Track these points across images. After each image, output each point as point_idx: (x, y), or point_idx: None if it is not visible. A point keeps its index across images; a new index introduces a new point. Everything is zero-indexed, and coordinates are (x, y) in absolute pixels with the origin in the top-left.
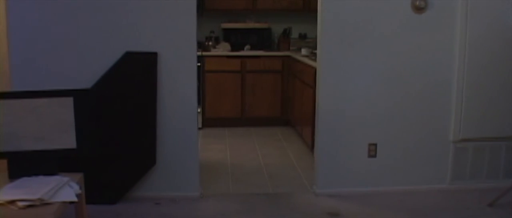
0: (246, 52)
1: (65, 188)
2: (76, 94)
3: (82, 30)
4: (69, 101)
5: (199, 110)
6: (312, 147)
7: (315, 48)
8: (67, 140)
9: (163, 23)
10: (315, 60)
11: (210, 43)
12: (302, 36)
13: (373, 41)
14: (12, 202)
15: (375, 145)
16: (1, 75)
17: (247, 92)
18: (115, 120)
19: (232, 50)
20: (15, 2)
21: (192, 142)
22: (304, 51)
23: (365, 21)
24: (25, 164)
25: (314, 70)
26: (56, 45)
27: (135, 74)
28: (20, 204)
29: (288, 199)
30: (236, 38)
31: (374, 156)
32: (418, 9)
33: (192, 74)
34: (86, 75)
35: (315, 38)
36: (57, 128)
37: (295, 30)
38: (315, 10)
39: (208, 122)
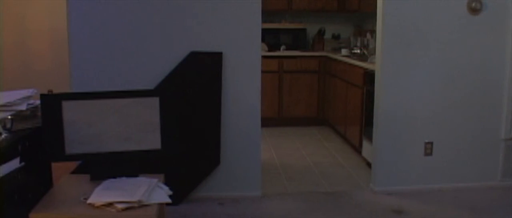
0: (283, 52)
1: (157, 189)
2: (162, 94)
3: (146, 30)
4: (154, 101)
5: None
6: (359, 146)
7: (350, 48)
8: (152, 140)
9: (228, 23)
10: (359, 60)
11: None
12: (336, 37)
13: (430, 42)
14: (110, 204)
15: (431, 143)
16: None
17: (284, 92)
18: (180, 120)
19: (268, 50)
20: (76, 2)
21: (255, 142)
22: (344, 51)
23: (423, 22)
24: (108, 165)
25: (363, 71)
26: (119, 45)
27: (200, 74)
28: (119, 206)
29: (349, 197)
30: (271, 39)
31: (430, 154)
32: (474, 11)
33: (256, 74)
34: (150, 75)
35: (348, 38)
36: (142, 129)
37: (328, 30)
38: (349, 11)
39: None
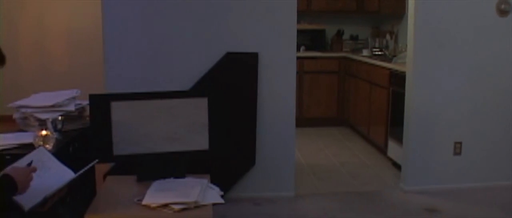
0: (303, 53)
1: (209, 190)
2: (210, 94)
3: (182, 30)
4: (203, 102)
5: None
6: (384, 146)
7: (370, 49)
8: (201, 141)
9: (264, 23)
10: (381, 61)
11: None
12: (354, 38)
13: (461, 43)
14: (165, 205)
15: (460, 143)
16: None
17: (304, 93)
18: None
19: None
20: (111, 2)
21: (289, 142)
22: (365, 52)
23: (454, 24)
24: (156, 166)
25: (388, 71)
26: (154, 46)
27: (236, 74)
28: (175, 207)
29: (381, 197)
30: None
31: (459, 153)
32: (503, 12)
33: (291, 75)
34: (186, 76)
35: (366, 39)
36: (190, 129)
37: (346, 31)
38: (367, 12)
39: None
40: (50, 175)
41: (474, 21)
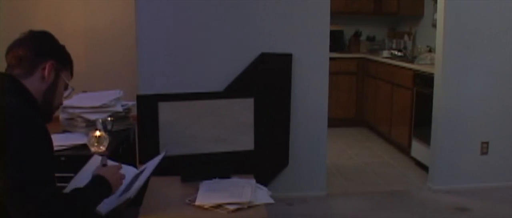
0: None
1: (258, 190)
2: (257, 95)
3: (216, 31)
4: (249, 102)
5: None
6: (408, 146)
7: (389, 50)
8: (246, 141)
9: (298, 24)
10: (401, 61)
11: None
12: (370, 39)
13: (488, 44)
14: (219, 205)
15: (487, 143)
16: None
17: None
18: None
19: None
20: (145, 2)
21: (321, 142)
22: (385, 53)
23: (482, 25)
24: (201, 167)
25: (412, 72)
26: (188, 46)
27: (270, 75)
28: (230, 207)
29: (410, 196)
30: None
31: (486, 153)
32: None
33: (324, 76)
34: (220, 76)
35: (383, 40)
36: (236, 130)
37: (363, 32)
38: (385, 13)
39: None
40: None
41: (502, 21)
